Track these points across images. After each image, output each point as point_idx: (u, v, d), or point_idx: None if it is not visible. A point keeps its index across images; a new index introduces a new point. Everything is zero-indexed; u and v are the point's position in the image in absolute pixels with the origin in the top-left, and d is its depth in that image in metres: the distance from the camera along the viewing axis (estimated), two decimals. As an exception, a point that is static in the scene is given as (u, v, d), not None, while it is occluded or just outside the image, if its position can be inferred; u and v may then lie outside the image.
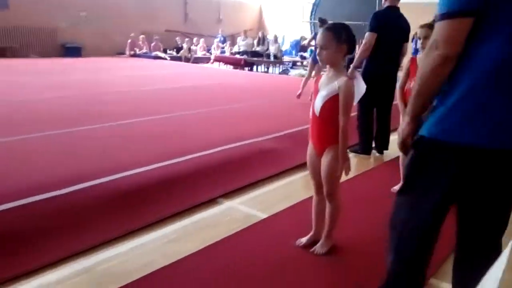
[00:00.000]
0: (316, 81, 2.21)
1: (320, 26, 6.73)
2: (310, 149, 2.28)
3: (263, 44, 14.19)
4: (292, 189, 3.41)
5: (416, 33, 4.02)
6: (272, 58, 12.76)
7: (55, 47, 13.38)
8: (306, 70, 7.34)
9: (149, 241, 2.43)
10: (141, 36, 14.92)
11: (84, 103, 5.79)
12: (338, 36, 2.03)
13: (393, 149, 4.30)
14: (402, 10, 4.15)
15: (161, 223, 2.64)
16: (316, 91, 2.17)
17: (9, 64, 10.44)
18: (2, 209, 2.36)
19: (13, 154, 3.45)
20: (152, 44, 14.85)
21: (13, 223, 2.33)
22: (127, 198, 2.78)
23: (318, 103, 2.13)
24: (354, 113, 3.27)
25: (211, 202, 2.98)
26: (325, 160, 2.17)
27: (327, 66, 2.15)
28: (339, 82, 2.06)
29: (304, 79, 6.80)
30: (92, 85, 7.47)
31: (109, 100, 6.07)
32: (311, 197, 2.48)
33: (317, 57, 2.10)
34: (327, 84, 2.11)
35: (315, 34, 6.93)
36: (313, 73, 6.76)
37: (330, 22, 4.75)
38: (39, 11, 12.79)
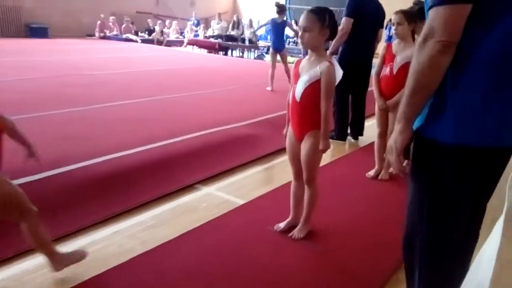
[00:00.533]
0: (296, 65, 2.18)
1: (277, 12, 6.58)
2: (289, 134, 2.27)
3: (237, 28, 14.01)
4: (269, 175, 3.42)
5: (390, 20, 4.05)
6: (247, 43, 12.63)
7: (19, 27, 12.74)
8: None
9: (126, 228, 2.39)
10: (111, 18, 14.42)
11: (53, 86, 5.57)
12: (322, 19, 2.02)
13: (368, 135, 4.38)
14: (378, -3, 4.16)
15: (138, 209, 2.59)
16: (297, 75, 2.14)
17: (-31, 44, 9.89)
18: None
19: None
20: (123, 26, 14.39)
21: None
22: (103, 184, 2.71)
23: (299, 88, 2.11)
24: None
25: (188, 188, 2.95)
26: (305, 146, 2.17)
27: (308, 50, 2.13)
28: (321, 67, 2.05)
29: (270, 73, 6.42)
30: (61, 68, 7.18)
31: (79, 84, 5.86)
32: (288, 183, 2.49)
33: (299, 40, 2.07)
34: (309, 69, 2.09)
35: (272, 20, 6.62)
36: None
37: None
38: (2, -12, 12.13)
